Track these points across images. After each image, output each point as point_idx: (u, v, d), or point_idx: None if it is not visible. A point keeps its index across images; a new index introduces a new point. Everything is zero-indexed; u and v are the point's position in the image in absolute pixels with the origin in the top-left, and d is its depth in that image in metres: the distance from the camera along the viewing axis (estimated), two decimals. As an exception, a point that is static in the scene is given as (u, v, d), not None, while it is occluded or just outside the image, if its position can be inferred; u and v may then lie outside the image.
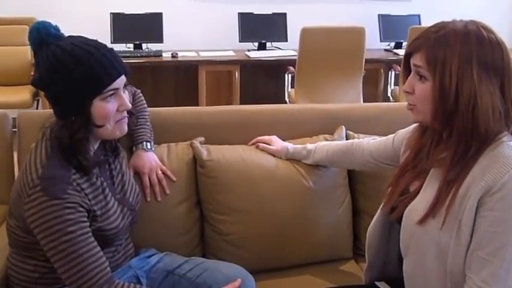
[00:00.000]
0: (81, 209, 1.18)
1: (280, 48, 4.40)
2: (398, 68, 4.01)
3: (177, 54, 3.97)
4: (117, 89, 1.21)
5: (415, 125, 1.39)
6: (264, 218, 1.60)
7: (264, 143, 1.70)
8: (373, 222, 1.38)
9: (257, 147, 1.70)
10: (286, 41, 4.40)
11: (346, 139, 1.75)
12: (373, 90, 4.29)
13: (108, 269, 1.19)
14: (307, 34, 3.51)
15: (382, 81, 4.33)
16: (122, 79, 1.23)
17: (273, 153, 1.68)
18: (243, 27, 4.31)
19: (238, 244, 1.60)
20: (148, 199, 1.54)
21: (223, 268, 1.41)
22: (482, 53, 1.07)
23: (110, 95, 1.20)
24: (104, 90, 1.19)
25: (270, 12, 4.39)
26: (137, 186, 1.48)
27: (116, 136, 1.29)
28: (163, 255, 1.49)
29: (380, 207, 1.37)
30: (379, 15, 4.57)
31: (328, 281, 1.58)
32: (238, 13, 4.29)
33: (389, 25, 4.59)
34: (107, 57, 1.20)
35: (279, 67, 4.26)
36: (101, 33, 4.08)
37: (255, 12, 4.34)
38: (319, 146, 1.65)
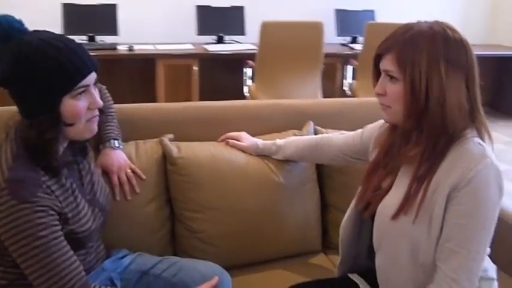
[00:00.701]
0: (52, 212, 1.13)
1: (238, 42, 4.39)
2: (355, 63, 4.08)
3: (133, 47, 3.88)
4: (87, 85, 1.17)
5: (382, 120, 1.42)
6: (236, 215, 1.60)
7: (234, 139, 1.70)
8: (345, 218, 1.40)
9: (227, 143, 1.69)
10: (244, 34, 4.39)
11: (315, 134, 1.77)
12: (330, 84, 4.35)
13: (83, 273, 1.15)
14: (267, 28, 3.51)
15: (339, 76, 4.40)
16: (93, 76, 1.18)
17: (243, 150, 1.68)
18: (201, 20, 4.26)
19: (210, 241, 1.59)
20: (118, 198, 1.50)
21: (199, 266, 1.39)
22: (448, 51, 1.11)
23: (80, 93, 1.16)
24: (74, 87, 1.14)
25: (228, 6, 4.36)
26: (106, 186, 1.43)
27: (85, 137, 1.24)
28: (136, 255, 1.46)
29: (352, 204, 1.39)
30: (335, 10, 4.63)
31: (300, 275, 1.60)
32: (196, 6, 4.24)
33: (345, 20, 4.67)
34: (77, 52, 1.15)
35: (237, 61, 4.25)
36: (52, 24, 3.90)
37: (212, 5, 4.31)
38: (289, 141, 1.66)
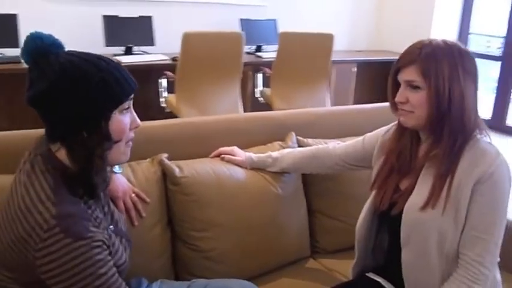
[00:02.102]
0: (105, 246, 1.06)
1: (147, 53, 4.28)
2: (267, 70, 4.22)
3: (40, 60, 3.58)
4: (131, 101, 1.13)
5: (383, 128, 1.54)
6: (241, 229, 1.61)
7: (227, 154, 1.70)
8: (360, 221, 1.49)
9: (222, 159, 1.69)
10: (154, 45, 4.29)
11: (298, 145, 1.83)
12: (242, 92, 4.43)
13: None
14: (188, 39, 3.48)
15: (250, 83, 4.51)
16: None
17: (238, 164, 1.68)
18: (108, 30, 4.07)
19: (219, 259, 1.58)
20: (125, 225, 1.42)
21: (231, 285, 1.38)
22: (463, 61, 1.27)
23: (126, 108, 1.12)
24: (127, 99, 1.10)
25: (136, 16, 4.23)
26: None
27: (121, 160, 1.18)
28: (159, 283, 1.40)
29: (366, 207, 1.48)
30: (240, 19, 4.73)
31: (307, 280, 1.66)
32: (103, 16, 4.05)
33: (250, 29, 4.78)
34: (122, 68, 1.11)
35: (150, 72, 4.15)
36: None
37: (120, 15, 4.14)
38: (284, 153, 1.70)
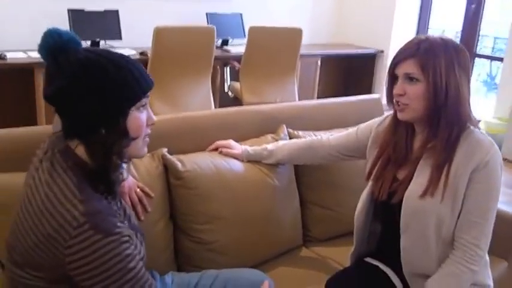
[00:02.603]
0: (132, 241, 1.08)
1: (114, 47, 4.21)
2: (236, 64, 4.25)
3: (5, 55, 3.47)
4: (148, 98, 1.14)
5: (376, 120, 1.62)
6: (242, 221, 1.65)
7: (224, 148, 1.73)
8: (360, 209, 1.56)
9: (220, 152, 1.72)
10: (121, 39, 4.23)
11: (289, 137, 1.89)
12: (211, 86, 4.44)
13: None
14: (160, 33, 3.46)
15: (219, 77, 4.52)
16: None
17: (235, 157, 1.72)
18: (74, 25, 3.98)
19: (221, 250, 1.61)
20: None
21: (244, 274, 1.42)
22: (458, 57, 1.36)
23: (143, 105, 1.13)
24: (144, 96, 1.11)
25: (102, 9, 4.16)
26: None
27: (140, 155, 1.19)
28: (170, 275, 1.43)
29: (363, 196, 1.55)
30: (206, 13, 4.73)
31: (305, 268, 1.73)
32: (68, 9, 3.96)
33: (216, 23, 4.78)
34: (140, 65, 1.12)
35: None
36: None
37: (86, 9, 4.06)
38: (279, 145, 1.75)
